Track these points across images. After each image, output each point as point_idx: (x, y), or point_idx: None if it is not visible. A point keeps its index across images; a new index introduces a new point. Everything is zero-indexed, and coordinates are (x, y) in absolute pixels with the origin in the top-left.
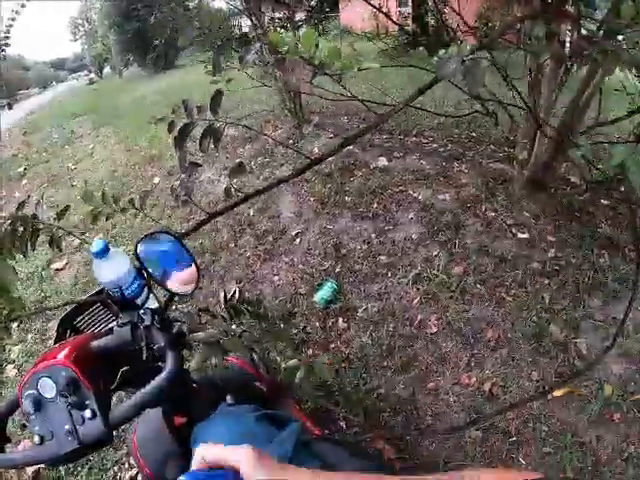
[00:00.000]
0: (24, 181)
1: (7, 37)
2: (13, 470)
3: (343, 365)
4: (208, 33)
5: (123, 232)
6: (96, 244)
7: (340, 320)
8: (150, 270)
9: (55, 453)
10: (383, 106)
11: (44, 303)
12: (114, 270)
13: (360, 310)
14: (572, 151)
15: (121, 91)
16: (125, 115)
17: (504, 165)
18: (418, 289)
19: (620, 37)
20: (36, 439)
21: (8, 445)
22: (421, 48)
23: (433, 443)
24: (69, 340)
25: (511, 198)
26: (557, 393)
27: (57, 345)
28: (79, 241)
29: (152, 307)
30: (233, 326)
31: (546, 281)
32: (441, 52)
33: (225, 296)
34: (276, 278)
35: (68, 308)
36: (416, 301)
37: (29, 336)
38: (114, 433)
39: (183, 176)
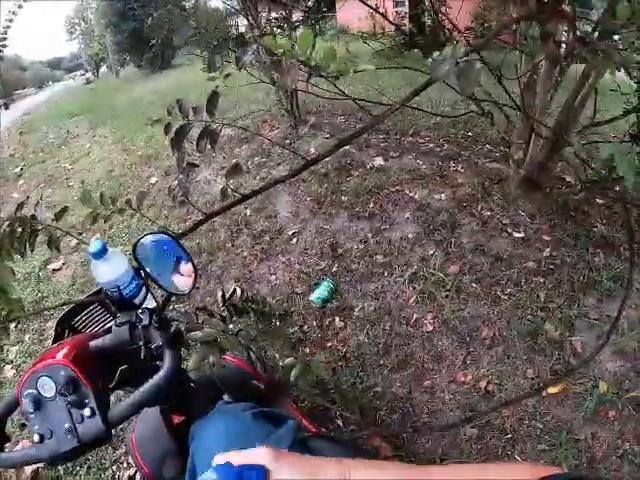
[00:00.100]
0: (21, 181)
1: (4, 38)
2: (12, 470)
3: (340, 363)
4: (204, 33)
5: (120, 232)
6: (94, 244)
7: (337, 319)
8: (148, 270)
9: (55, 451)
10: (379, 106)
11: (41, 303)
12: (112, 270)
13: (357, 309)
14: (567, 150)
15: (118, 91)
16: (122, 115)
17: (500, 165)
18: (414, 288)
19: (616, 37)
20: (36, 438)
21: (7, 445)
22: (416, 50)
23: (429, 440)
24: (68, 340)
25: (507, 197)
26: (552, 390)
27: (56, 345)
28: (76, 241)
29: (150, 307)
30: (230, 325)
31: (541, 280)
32: (435, 54)
33: (223, 295)
34: (273, 277)
35: (66, 308)
36: (412, 300)
37: (27, 336)
38: (113, 432)
39: (181, 176)
